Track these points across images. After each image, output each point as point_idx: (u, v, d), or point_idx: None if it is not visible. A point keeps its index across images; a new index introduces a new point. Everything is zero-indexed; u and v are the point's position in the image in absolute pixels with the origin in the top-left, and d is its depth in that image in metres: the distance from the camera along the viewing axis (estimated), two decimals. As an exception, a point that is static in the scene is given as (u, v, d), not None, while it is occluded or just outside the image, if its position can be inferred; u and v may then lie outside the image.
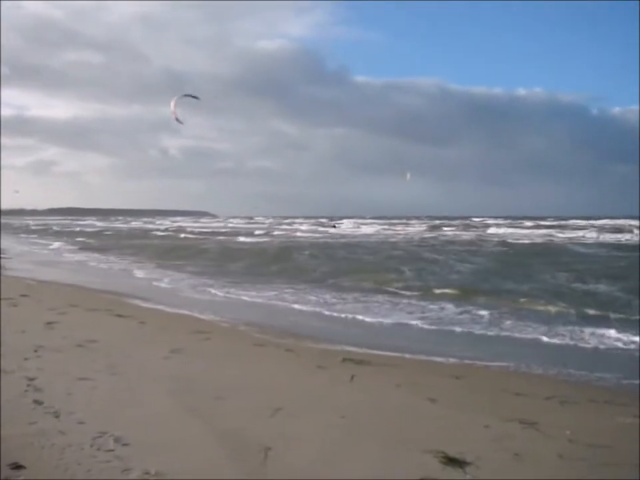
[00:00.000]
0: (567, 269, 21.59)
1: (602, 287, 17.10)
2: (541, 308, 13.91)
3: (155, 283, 18.78)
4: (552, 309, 13.73)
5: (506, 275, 20.56)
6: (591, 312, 13.18)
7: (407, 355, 9.16)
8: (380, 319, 12.49)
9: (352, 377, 7.48)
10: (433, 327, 11.77)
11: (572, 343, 10.45)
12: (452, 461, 4.78)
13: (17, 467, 4.34)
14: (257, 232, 62.54)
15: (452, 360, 8.92)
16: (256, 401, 6.28)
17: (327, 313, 13.35)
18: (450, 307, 13.97)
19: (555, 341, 10.58)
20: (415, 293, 16.42)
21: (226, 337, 10.17)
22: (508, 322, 12.14)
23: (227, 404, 6.15)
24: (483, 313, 13.15)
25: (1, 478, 4.18)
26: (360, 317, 12.72)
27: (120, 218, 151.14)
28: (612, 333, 10.91)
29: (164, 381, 6.83)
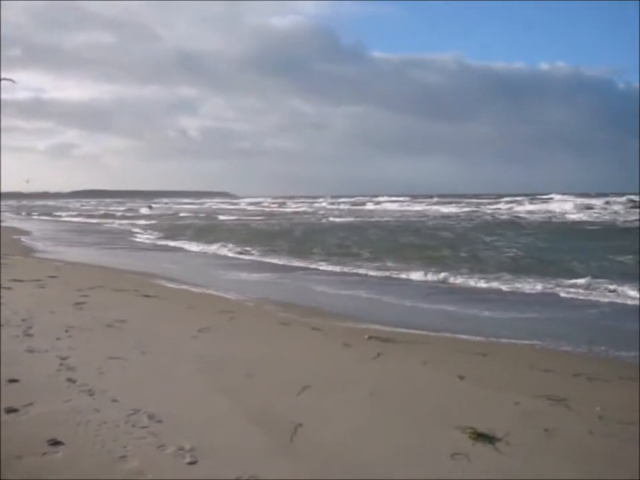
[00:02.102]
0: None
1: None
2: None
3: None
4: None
5: (558, 252, 20.05)
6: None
7: (433, 333, 9.18)
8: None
9: (378, 355, 7.52)
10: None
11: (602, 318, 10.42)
12: (482, 437, 4.81)
13: (55, 442, 4.43)
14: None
15: (478, 338, 8.93)
16: (284, 378, 6.34)
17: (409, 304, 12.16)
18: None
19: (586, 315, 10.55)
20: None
21: (252, 316, 10.24)
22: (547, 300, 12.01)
23: (256, 381, 6.22)
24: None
25: (41, 453, 4.28)
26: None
27: (156, 199, 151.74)
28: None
29: (193, 360, 6.92)
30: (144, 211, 78.10)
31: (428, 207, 66.12)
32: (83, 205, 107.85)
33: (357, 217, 49.86)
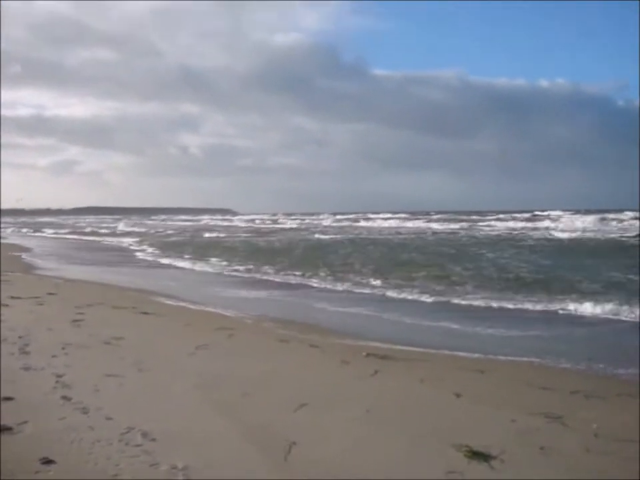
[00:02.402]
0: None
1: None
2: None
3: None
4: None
5: (564, 270, 19.71)
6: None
7: (431, 350, 9.16)
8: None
9: (375, 372, 7.49)
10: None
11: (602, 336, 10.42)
12: (477, 455, 4.78)
13: (47, 461, 4.41)
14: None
15: (476, 355, 8.91)
16: (281, 396, 6.32)
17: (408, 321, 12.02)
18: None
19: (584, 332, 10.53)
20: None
21: (250, 333, 10.23)
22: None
23: (253, 399, 6.19)
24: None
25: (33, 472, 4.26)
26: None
27: (154, 216, 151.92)
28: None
29: (190, 377, 6.90)
30: (121, 226, 76.20)
31: (427, 224, 65.96)
32: (76, 222, 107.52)
33: (357, 234, 49.75)
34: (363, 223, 74.04)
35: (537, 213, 74.05)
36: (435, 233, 48.90)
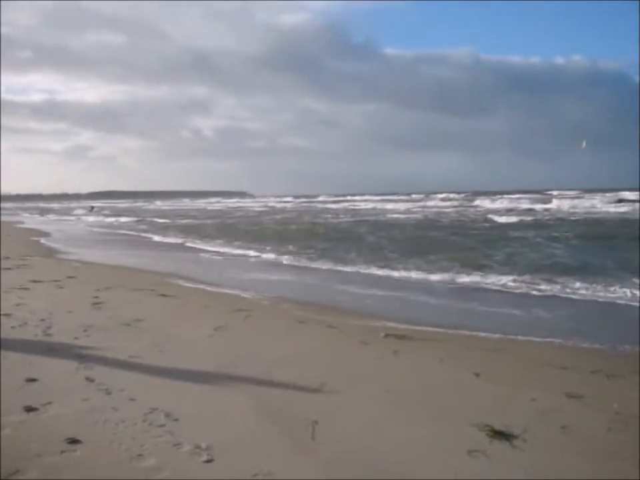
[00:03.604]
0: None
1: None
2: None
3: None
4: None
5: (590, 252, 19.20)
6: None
7: (450, 330, 9.16)
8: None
9: (395, 352, 7.50)
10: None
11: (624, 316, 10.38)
12: (499, 434, 4.79)
13: (73, 441, 4.47)
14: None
15: (496, 335, 8.89)
16: (301, 376, 6.35)
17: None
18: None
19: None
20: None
21: (268, 315, 10.26)
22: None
23: (273, 379, 6.23)
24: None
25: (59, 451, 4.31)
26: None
27: (185, 200, 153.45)
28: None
29: (210, 358, 6.95)
30: (81, 212, 75.24)
31: (439, 206, 66.07)
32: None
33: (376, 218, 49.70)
34: (378, 205, 74.26)
35: (552, 192, 73.68)
36: (453, 214, 48.46)
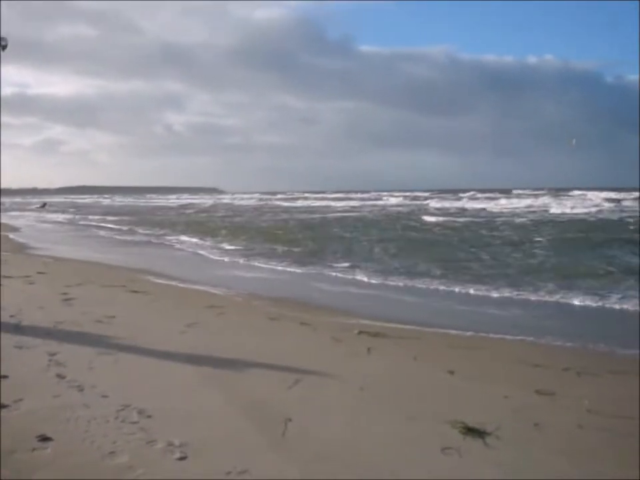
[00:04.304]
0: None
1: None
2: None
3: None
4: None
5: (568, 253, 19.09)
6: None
7: (424, 328, 9.20)
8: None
9: (368, 350, 7.52)
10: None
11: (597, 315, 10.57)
12: (472, 431, 4.81)
13: (44, 438, 4.40)
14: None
15: (469, 333, 8.95)
16: (274, 373, 6.33)
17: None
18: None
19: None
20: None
21: (240, 311, 10.23)
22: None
23: (246, 376, 6.21)
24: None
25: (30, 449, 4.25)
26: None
27: (153, 195, 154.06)
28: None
29: (183, 354, 6.89)
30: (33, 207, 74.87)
31: (424, 202, 66.80)
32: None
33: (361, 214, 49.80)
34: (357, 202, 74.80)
35: (519, 191, 74.62)
36: (432, 213, 48.41)
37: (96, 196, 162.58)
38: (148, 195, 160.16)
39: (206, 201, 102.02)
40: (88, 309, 9.33)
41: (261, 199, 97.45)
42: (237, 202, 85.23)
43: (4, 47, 9.44)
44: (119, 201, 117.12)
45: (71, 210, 67.89)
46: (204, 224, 38.12)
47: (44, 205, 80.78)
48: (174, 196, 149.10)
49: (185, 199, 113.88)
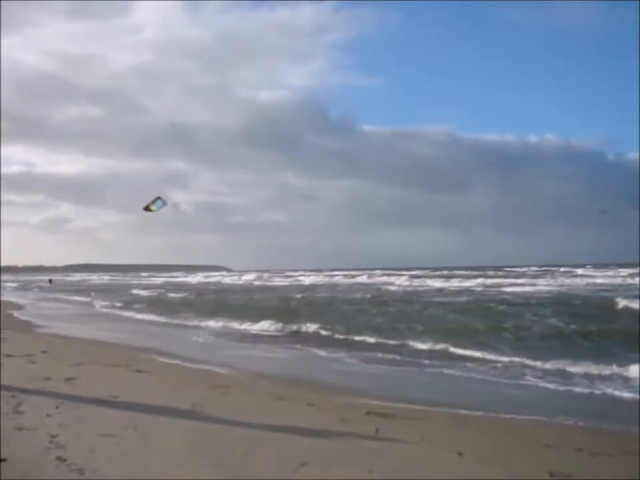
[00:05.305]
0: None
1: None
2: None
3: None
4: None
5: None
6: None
7: (432, 408, 9.01)
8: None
9: (376, 430, 7.35)
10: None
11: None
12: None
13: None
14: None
15: (478, 413, 8.77)
16: (280, 455, 6.17)
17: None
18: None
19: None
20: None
21: (246, 391, 10.07)
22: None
23: (252, 458, 6.05)
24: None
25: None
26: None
27: (162, 273, 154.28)
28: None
29: (187, 436, 6.74)
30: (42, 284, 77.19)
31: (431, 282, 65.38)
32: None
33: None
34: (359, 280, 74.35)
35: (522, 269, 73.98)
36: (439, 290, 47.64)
37: (101, 273, 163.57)
38: (148, 272, 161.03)
39: (198, 280, 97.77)
40: (90, 389, 9.21)
41: (257, 278, 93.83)
42: (237, 282, 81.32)
43: None
44: (107, 278, 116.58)
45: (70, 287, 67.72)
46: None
47: (50, 281, 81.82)
48: (178, 273, 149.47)
49: (189, 278, 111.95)
